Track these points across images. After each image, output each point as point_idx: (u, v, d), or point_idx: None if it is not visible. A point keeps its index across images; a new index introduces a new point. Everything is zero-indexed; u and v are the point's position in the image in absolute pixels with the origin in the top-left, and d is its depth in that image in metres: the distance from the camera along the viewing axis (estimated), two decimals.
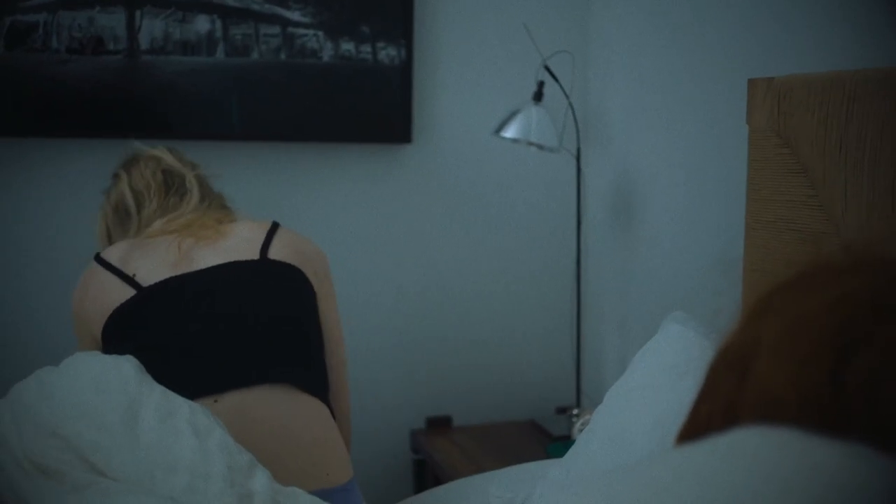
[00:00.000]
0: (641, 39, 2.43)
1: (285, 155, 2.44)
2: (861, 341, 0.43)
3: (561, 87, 2.36)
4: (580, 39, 2.66)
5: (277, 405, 1.51)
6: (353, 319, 2.25)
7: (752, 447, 0.41)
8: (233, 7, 2.32)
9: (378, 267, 2.56)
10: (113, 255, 1.65)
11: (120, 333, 1.57)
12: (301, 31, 2.38)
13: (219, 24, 2.31)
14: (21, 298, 2.28)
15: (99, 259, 1.65)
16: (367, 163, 2.54)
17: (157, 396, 1.28)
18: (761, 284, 0.51)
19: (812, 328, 0.45)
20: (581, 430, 2.19)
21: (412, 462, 2.58)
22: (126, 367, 1.30)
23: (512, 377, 2.73)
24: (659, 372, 1.59)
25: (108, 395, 1.26)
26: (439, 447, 2.42)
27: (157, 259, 1.62)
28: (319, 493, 1.38)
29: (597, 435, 1.64)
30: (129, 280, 1.59)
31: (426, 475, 2.48)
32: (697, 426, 0.50)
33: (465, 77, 2.60)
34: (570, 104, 2.39)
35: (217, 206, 1.80)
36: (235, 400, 1.48)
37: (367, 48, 2.44)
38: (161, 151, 1.82)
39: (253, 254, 1.65)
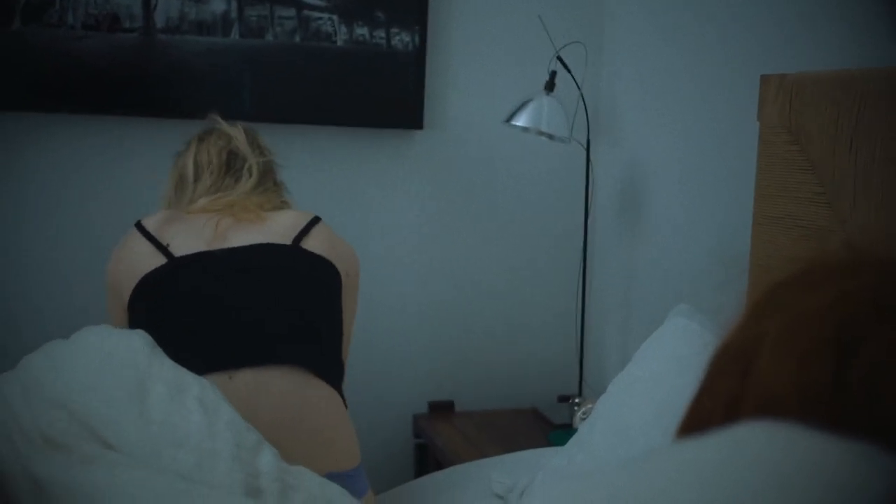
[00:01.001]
0: (655, 33, 2.43)
1: (296, 137, 2.45)
2: (863, 340, 0.43)
3: (573, 77, 2.36)
4: (594, 31, 2.67)
5: (291, 387, 1.53)
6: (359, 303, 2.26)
7: (754, 443, 0.41)
8: None
9: (384, 251, 2.57)
10: (151, 223, 1.67)
11: (146, 301, 1.59)
12: (316, 14, 2.39)
13: (234, 4, 2.31)
14: (30, 272, 2.29)
15: (138, 225, 1.67)
16: (378, 148, 2.55)
17: (166, 372, 1.29)
18: (764, 281, 0.51)
19: (814, 325, 0.45)
20: (583, 419, 2.20)
21: (414, 446, 2.59)
22: (136, 342, 1.31)
23: (515, 364, 2.74)
24: (663, 364, 1.60)
25: (117, 370, 1.27)
26: (441, 432, 2.44)
27: (194, 233, 1.64)
28: (326, 477, 1.39)
29: (600, 424, 1.66)
30: (162, 249, 1.62)
31: (427, 459, 2.50)
32: (698, 420, 0.50)
33: (478, 65, 2.60)
34: (582, 95, 2.39)
35: (270, 195, 1.80)
36: (249, 378, 1.50)
37: (380, 33, 2.44)
38: (236, 131, 1.81)
39: (286, 241, 1.67)
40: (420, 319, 2.65)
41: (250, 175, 1.76)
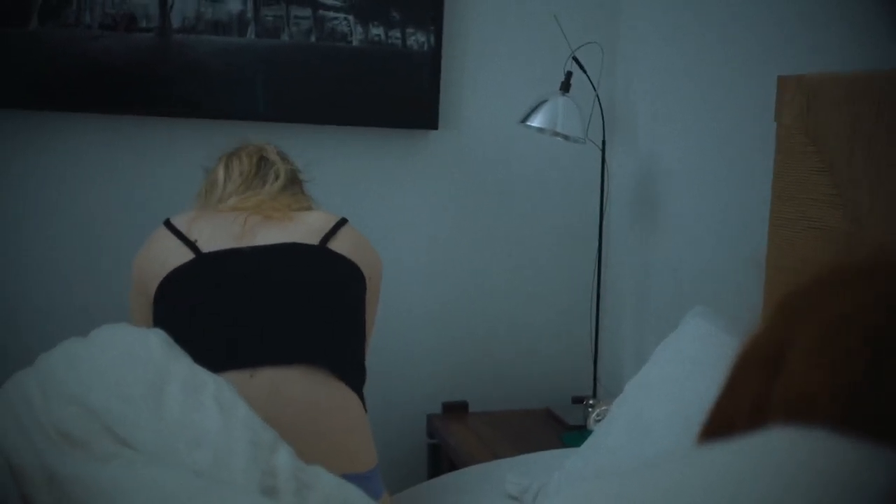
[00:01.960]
0: (670, 34, 2.42)
1: (311, 137, 2.45)
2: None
3: (589, 78, 2.36)
4: (609, 31, 2.66)
5: (311, 387, 1.53)
6: None
7: (786, 450, 0.40)
8: None
9: (398, 252, 2.57)
10: (180, 220, 1.70)
11: (172, 295, 1.61)
12: (332, 14, 2.39)
13: (250, 4, 2.32)
14: (30, 272, 2.30)
15: (167, 223, 1.70)
16: (393, 148, 2.55)
17: (183, 370, 1.29)
18: (786, 284, 0.50)
19: (848, 329, 0.44)
20: (597, 421, 2.20)
21: (427, 446, 2.59)
22: (153, 340, 1.32)
23: (529, 365, 2.74)
24: (680, 366, 1.59)
25: (134, 368, 1.27)
26: (455, 432, 2.44)
27: (222, 230, 1.66)
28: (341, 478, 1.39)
29: (616, 426, 1.65)
30: (190, 244, 1.63)
31: (441, 460, 2.50)
32: (721, 424, 0.49)
33: (493, 65, 2.60)
34: (597, 96, 2.39)
35: (298, 197, 1.83)
36: (271, 376, 1.51)
37: (396, 33, 2.45)
38: (268, 145, 1.89)
39: (314, 241, 1.68)
40: (434, 319, 2.65)
41: (276, 178, 1.80)
